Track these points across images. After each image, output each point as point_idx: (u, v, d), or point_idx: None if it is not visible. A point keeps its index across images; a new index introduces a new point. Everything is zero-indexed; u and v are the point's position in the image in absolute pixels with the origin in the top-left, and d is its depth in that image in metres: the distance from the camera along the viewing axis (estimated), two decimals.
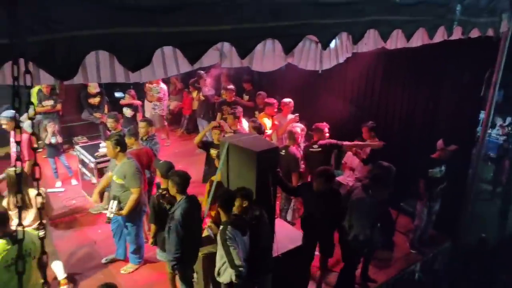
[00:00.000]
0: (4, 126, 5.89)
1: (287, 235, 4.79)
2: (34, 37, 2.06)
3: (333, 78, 7.61)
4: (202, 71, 9.57)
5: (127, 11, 2.38)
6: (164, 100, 9.39)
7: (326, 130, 6.19)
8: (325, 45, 3.58)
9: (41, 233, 4.50)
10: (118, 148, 4.92)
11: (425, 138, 6.37)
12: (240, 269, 3.69)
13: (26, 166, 5.56)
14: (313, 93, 8.32)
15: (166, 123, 9.64)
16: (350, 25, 3.69)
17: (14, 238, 3.34)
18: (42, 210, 4.45)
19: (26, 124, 8.51)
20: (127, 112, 8.05)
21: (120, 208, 4.88)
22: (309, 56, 3.58)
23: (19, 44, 2.01)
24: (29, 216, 4.43)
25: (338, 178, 6.55)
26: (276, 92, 8.26)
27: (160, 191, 4.58)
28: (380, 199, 4.73)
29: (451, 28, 4.56)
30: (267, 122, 7.14)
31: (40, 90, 8.30)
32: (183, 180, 4.18)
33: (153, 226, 4.63)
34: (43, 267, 3.70)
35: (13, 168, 4.48)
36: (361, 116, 7.08)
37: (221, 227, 3.83)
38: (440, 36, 4.59)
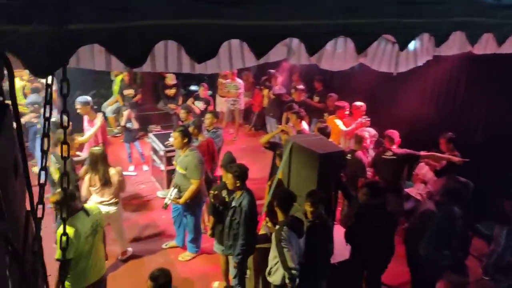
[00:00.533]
0: (78, 111, 6.33)
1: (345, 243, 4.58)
2: (108, 24, 2.14)
3: (410, 83, 7.11)
4: (273, 70, 9.59)
5: (198, 3, 2.39)
6: (242, 95, 9.56)
7: (398, 138, 5.85)
8: (403, 46, 3.33)
9: (113, 209, 4.88)
10: (186, 139, 5.06)
11: None
12: (293, 272, 3.59)
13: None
14: (386, 98, 7.88)
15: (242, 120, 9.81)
16: (434, 25, 3.40)
17: (86, 211, 3.63)
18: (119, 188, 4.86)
19: (108, 110, 9.27)
20: (199, 105, 8.28)
21: (179, 197, 5.01)
22: (384, 57, 3.35)
23: (96, 30, 2.12)
24: (109, 191, 4.75)
25: (408, 190, 6.17)
26: (348, 95, 7.95)
27: (212, 191, 4.60)
28: (453, 217, 4.34)
29: None
30: (339, 124, 6.92)
31: (122, 79, 8.88)
32: (243, 173, 4.22)
33: (211, 218, 4.70)
34: (104, 239, 4.04)
35: (97, 147, 4.85)
36: (438, 125, 6.56)
37: (277, 227, 3.77)
38: None
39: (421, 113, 7.15)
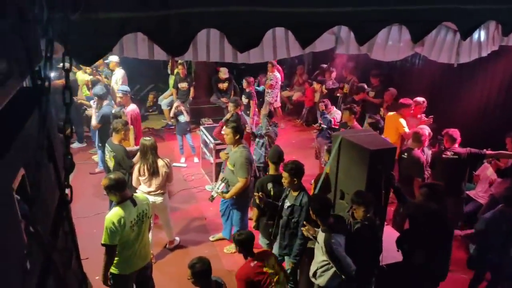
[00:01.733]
0: (119, 100, 6.52)
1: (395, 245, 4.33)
2: (151, 12, 2.15)
3: (473, 78, 6.62)
4: (325, 65, 9.36)
5: None
6: (276, 89, 9.41)
7: (459, 138, 5.42)
8: (466, 35, 3.05)
9: (159, 199, 5.00)
10: (238, 135, 5.04)
11: None
12: (353, 274, 3.46)
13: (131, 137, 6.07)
14: (446, 94, 7.39)
15: (275, 112, 9.64)
16: (501, 12, 3.08)
17: (134, 201, 3.70)
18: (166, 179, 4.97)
19: (163, 103, 9.56)
20: (243, 99, 8.26)
21: (227, 191, 5.01)
22: (444, 47, 3.09)
23: (139, 19, 2.13)
24: (156, 182, 4.88)
25: (469, 193, 5.74)
26: (405, 91, 7.55)
27: (257, 194, 4.46)
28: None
29: None
30: (403, 123, 6.53)
31: (177, 73, 9.10)
32: (298, 169, 4.14)
33: (255, 210, 4.65)
34: (150, 228, 4.11)
35: (148, 138, 4.98)
36: (504, 124, 6.02)
37: (323, 235, 3.60)
38: None
39: (484, 111, 6.63)
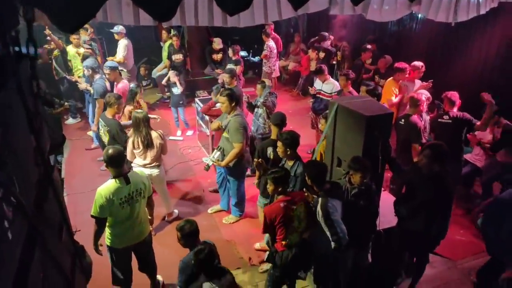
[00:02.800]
0: (107, 76, 6.38)
1: (392, 210, 4.35)
2: None
3: (471, 40, 6.49)
4: (325, 33, 9.15)
5: None
6: (271, 58, 9.26)
7: (459, 100, 5.36)
8: None
9: (156, 171, 4.97)
10: (228, 102, 4.97)
11: None
12: (344, 241, 3.47)
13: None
14: (443, 57, 7.28)
15: (271, 82, 9.54)
16: None
17: (127, 178, 3.65)
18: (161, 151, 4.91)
19: (157, 76, 9.41)
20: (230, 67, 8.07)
21: (222, 159, 4.98)
22: (441, 5, 2.98)
23: None
24: (150, 154, 4.84)
25: (466, 156, 5.73)
26: (402, 56, 7.43)
27: (256, 160, 4.43)
28: None
29: None
30: (394, 90, 6.45)
31: (171, 44, 8.91)
32: (292, 140, 4.12)
33: (257, 173, 4.63)
34: (151, 205, 4.06)
35: (140, 111, 4.91)
36: (505, 87, 5.96)
37: (319, 199, 3.58)
38: None
39: (481, 74, 6.54)
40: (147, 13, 2.21)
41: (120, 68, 8.43)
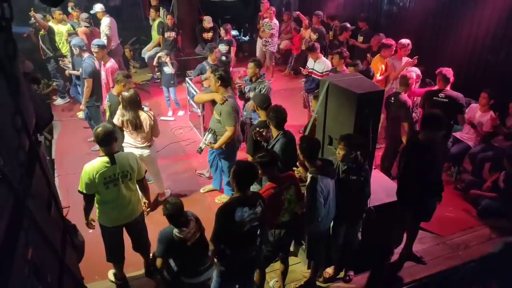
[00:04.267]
0: (95, 55, 6.26)
1: (383, 188, 4.40)
2: None
3: (462, 16, 6.48)
4: (320, 12, 9.05)
5: None
6: (275, 37, 9.18)
7: (453, 77, 5.34)
8: None
9: (146, 152, 4.95)
10: (219, 82, 4.92)
11: None
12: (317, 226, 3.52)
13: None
14: (435, 35, 7.27)
15: (274, 62, 9.49)
16: None
17: (113, 159, 3.59)
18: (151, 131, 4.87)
19: (147, 56, 9.27)
20: (222, 47, 7.95)
21: (215, 141, 4.97)
22: None
23: None
24: (141, 135, 4.84)
25: (455, 134, 5.79)
26: (394, 34, 7.39)
27: (258, 129, 4.50)
28: None
29: None
30: (380, 67, 6.49)
31: (161, 22, 8.77)
32: (279, 114, 4.10)
33: (250, 158, 4.63)
34: (144, 189, 3.98)
35: (131, 90, 4.85)
36: (494, 65, 5.98)
37: (309, 176, 3.59)
38: None
39: (471, 53, 6.55)
40: None
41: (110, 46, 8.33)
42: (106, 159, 3.56)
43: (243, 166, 3.21)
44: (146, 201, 4.09)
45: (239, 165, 3.22)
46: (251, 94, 5.65)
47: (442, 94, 5.29)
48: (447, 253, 4.77)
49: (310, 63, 6.93)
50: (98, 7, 8.13)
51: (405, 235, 4.60)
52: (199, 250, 3.48)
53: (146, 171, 4.01)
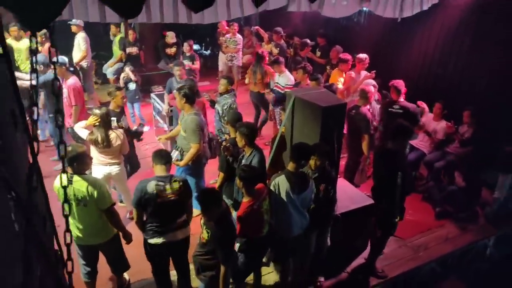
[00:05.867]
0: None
1: (348, 195, 4.64)
2: None
3: (414, 33, 6.97)
4: (279, 28, 9.32)
5: None
6: (241, 52, 9.37)
7: (404, 88, 5.76)
8: None
9: (115, 170, 4.88)
10: (184, 100, 4.95)
11: None
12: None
13: (73, 111, 5.90)
14: (389, 50, 7.74)
15: (240, 76, 9.66)
16: None
17: (70, 180, 3.50)
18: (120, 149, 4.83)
19: (109, 71, 9.14)
20: (186, 62, 8.03)
21: (181, 158, 5.01)
22: (388, 2, 3.24)
23: None
24: (110, 153, 4.80)
25: (411, 142, 6.15)
26: (351, 49, 7.79)
27: (224, 143, 4.60)
28: None
29: None
30: (340, 79, 6.82)
31: (122, 38, 8.71)
32: (251, 131, 4.17)
33: (221, 174, 4.68)
34: (113, 217, 3.78)
35: (103, 108, 4.80)
36: (443, 76, 6.48)
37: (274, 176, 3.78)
38: None
39: (424, 65, 7.04)
40: (113, 10, 2.24)
41: (84, 62, 8.16)
42: (65, 176, 3.50)
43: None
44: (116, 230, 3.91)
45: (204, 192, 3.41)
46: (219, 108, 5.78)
47: (397, 106, 5.68)
48: (408, 255, 5.07)
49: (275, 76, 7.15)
50: (78, 20, 7.89)
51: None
52: (169, 211, 3.61)
53: (114, 203, 3.79)
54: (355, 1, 3.07)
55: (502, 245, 5.66)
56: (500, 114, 5.60)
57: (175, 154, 5.03)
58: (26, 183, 1.20)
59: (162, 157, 3.70)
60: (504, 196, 5.51)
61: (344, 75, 6.87)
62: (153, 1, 2.39)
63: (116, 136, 4.76)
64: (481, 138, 5.48)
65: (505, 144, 5.36)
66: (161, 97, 7.38)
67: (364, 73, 6.70)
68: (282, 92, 6.61)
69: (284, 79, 6.94)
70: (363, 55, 6.79)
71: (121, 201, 5.63)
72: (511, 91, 5.66)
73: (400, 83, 5.73)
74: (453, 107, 5.86)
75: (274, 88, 7.07)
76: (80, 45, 8.02)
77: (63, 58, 6.42)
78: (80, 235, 3.72)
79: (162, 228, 3.64)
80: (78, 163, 3.60)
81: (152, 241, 3.66)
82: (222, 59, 9.81)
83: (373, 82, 6.25)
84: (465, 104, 5.82)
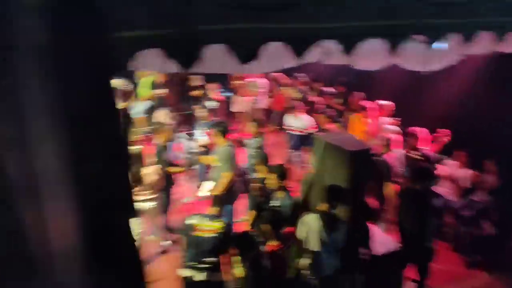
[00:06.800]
0: None
1: (377, 239, 4.66)
2: (167, 29, 2.35)
3: (438, 82, 7.14)
4: (302, 73, 9.68)
5: (241, 9, 2.58)
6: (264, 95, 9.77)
7: (425, 135, 5.88)
8: (432, 45, 3.46)
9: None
10: (219, 134, 5.24)
11: None
12: None
13: None
14: (413, 98, 7.90)
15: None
16: (462, 25, 3.51)
17: None
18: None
19: (135, 111, 9.41)
20: (212, 104, 8.45)
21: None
22: (416, 57, 3.47)
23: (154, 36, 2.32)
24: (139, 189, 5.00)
25: (434, 188, 6.15)
26: (371, 96, 7.99)
27: (255, 183, 4.73)
28: None
29: None
30: (364, 121, 6.97)
31: (152, 80, 9.08)
32: (283, 172, 4.37)
33: (251, 212, 4.76)
34: None
35: (137, 147, 5.04)
36: (465, 123, 6.58)
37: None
38: None
39: (449, 113, 7.16)
40: (177, 63, 2.51)
41: None
42: None
43: None
44: None
45: None
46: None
47: (418, 152, 5.78)
48: None
49: (290, 119, 7.39)
50: None
51: None
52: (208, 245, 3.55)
53: None
54: (385, 57, 3.31)
55: None
56: None
57: (207, 186, 5.19)
58: None
59: None
60: None
61: (364, 122, 7.03)
62: (206, 53, 2.65)
63: (151, 172, 4.98)
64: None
65: None
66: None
67: (387, 119, 6.85)
68: (301, 134, 6.86)
69: (301, 121, 7.15)
70: (386, 102, 6.97)
71: None
72: None
73: (416, 130, 5.91)
74: (479, 154, 5.91)
75: (291, 132, 7.25)
76: None
77: None
78: None
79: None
80: None
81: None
82: (237, 100, 10.07)
83: (395, 128, 6.39)
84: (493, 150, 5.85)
